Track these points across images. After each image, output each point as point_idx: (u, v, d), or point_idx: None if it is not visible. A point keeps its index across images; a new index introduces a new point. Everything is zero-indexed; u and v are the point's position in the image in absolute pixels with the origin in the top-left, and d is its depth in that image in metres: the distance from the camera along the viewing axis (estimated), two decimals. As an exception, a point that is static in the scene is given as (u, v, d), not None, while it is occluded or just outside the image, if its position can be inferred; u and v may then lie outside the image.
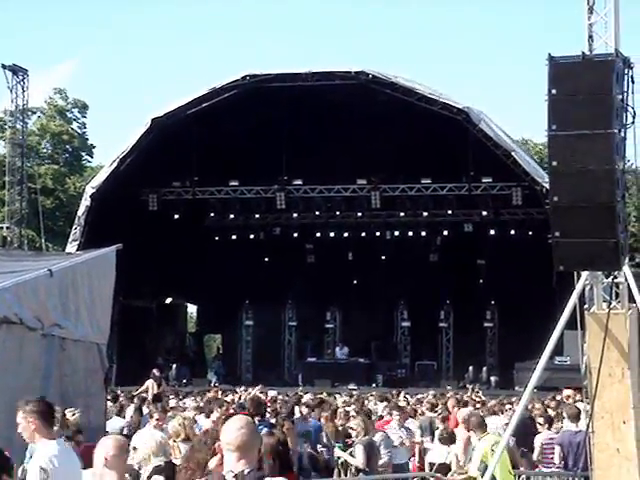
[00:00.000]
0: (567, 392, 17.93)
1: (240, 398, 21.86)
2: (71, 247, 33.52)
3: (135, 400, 18.52)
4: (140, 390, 23.47)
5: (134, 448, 8.83)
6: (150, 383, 23.54)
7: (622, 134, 9.72)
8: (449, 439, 14.06)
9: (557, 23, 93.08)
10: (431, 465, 14.86)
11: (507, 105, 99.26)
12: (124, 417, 16.09)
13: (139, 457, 8.33)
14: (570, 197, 9.60)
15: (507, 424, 13.34)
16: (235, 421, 5.25)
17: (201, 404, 18.20)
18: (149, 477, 7.79)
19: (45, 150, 59.80)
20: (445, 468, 13.70)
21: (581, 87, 9.55)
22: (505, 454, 11.04)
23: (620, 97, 9.62)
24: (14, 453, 9.45)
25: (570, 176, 9.59)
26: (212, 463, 6.63)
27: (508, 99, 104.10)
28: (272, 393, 24.96)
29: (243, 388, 27.72)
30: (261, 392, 24.70)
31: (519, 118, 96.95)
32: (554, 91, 9.60)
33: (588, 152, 9.47)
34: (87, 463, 9.13)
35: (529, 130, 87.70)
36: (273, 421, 13.45)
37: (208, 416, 14.30)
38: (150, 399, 18.97)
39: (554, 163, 9.74)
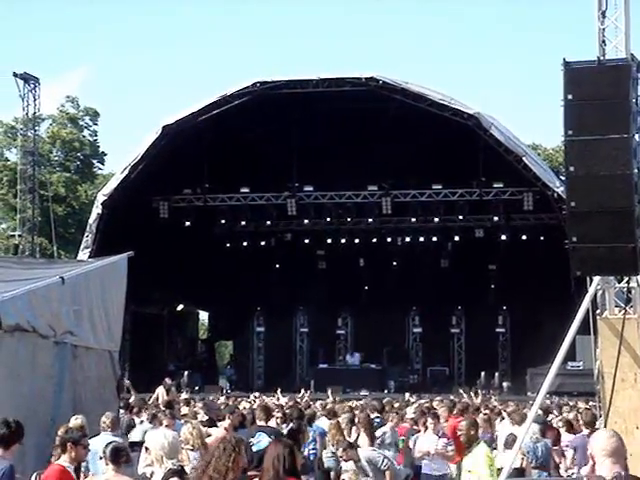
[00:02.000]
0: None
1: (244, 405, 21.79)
2: (83, 254, 33.58)
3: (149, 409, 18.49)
4: (152, 399, 23.47)
5: (146, 448, 8.80)
6: (160, 391, 23.56)
7: (637, 139, 9.70)
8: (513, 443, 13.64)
9: (567, 28, 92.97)
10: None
11: (517, 110, 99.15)
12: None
13: (151, 458, 8.31)
14: (587, 202, 9.57)
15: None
16: (606, 431, 6.25)
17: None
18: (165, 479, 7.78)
19: (57, 158, 59.88)
20: (520, 472, 13.44)
21: (597, 92, 9.53)
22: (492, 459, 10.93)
23: (634, 101, 9.61)
24: (28, 459, 9.49)
25: (587, 181, 9.57)
26: (584, 470, 7.13)
27: (518, 104, 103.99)
28: (284, 400, 24.87)
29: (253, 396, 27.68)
30: (272, 396, 24.70)
31: (529, 123, 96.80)
32: (570, 96, 9.59)
33: (605, 157, 9.44)
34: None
35: (539, 135, 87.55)
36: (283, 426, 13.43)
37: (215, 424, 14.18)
38: (161, 405, 18.91)
39: (571, 168, 9.71)
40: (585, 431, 12.98)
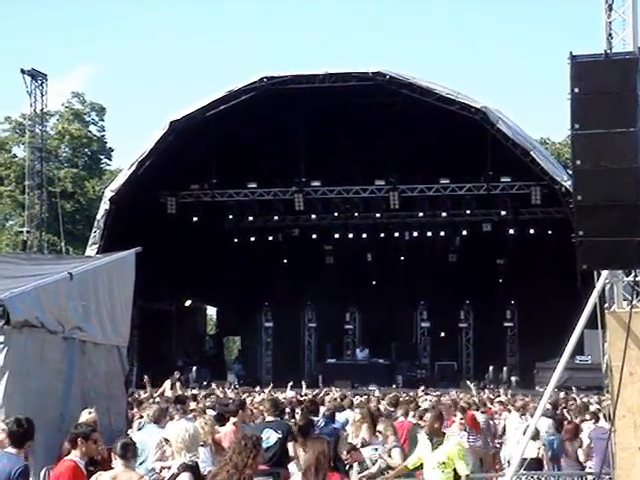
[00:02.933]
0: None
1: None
2: (91, 250, 33.62)
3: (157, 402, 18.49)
4: (159, 392, 23.46)
5: (166, 440, 8.82)
6: (166, 385, 23.55)
7: (646, 133, 9.67)
8: (537, 435, 13.53)
9: (573, 22, 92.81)
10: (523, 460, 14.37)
11: (526, 104, 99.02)
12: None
13: (171, 450, 8.35)
14: (594, 196, 9.57)
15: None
16: None
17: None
18: (177, 473, 7.82)
19: (64, 154, 60.04)
20: (537, 462, 13.46)
21: (604, 85, 9.51)
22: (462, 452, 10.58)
23: (641, 95, 9.58)
24: (37, 455, 9.50)
25: (594, 175, 9.56)
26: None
27: (527, 98, 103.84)
28: (291, 394, 24.85)
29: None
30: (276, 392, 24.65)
31: (537, 117, 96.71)
32: (576, 90, 9.56)
33: (612, 151, 9.43)
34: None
35: (547, 129, 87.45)
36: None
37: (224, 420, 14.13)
38: (171, 399, 18.88)
39: (577, 162, 9.70)
40: (606, 425, 12.92)
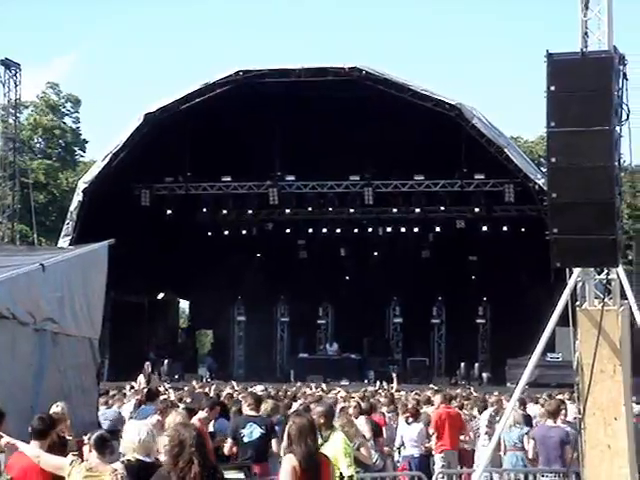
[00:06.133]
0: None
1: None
2: (63, 242, 33.46)
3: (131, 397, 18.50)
4: (137, 386, 23.41)
5: (121, 436, 8.77)
6: (140, 379, 23.48)
7: (619, 131, 9.75)
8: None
9: (548, 20, 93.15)
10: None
11: (497, 102, 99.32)
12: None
13: (122, 446, 8.27)
14: (568, 194, 9.63)
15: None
16: None
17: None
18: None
19: (38, 145, 59.70)
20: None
21: (580, 84, 9.58)
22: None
23: (617, 94, 9.65)
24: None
25: (569, 173, 9.62)
26: None
27: (498, 96, 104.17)
28: (259, 388, 24.77)
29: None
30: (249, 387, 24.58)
31: (510, 114, 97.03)
32: (553, 88, 9.62)
33: (587, 149, 9.49)
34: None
35: (519, 127, 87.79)
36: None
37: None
38: (142, 394, 18.84)
39: (553, 160, 9.76)
40: (548, 422, 12.75)
